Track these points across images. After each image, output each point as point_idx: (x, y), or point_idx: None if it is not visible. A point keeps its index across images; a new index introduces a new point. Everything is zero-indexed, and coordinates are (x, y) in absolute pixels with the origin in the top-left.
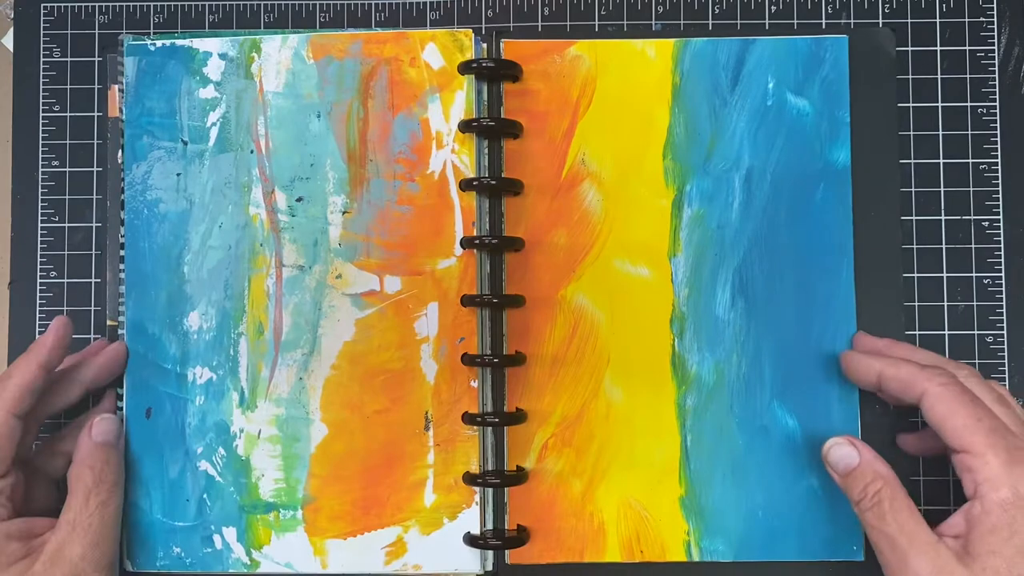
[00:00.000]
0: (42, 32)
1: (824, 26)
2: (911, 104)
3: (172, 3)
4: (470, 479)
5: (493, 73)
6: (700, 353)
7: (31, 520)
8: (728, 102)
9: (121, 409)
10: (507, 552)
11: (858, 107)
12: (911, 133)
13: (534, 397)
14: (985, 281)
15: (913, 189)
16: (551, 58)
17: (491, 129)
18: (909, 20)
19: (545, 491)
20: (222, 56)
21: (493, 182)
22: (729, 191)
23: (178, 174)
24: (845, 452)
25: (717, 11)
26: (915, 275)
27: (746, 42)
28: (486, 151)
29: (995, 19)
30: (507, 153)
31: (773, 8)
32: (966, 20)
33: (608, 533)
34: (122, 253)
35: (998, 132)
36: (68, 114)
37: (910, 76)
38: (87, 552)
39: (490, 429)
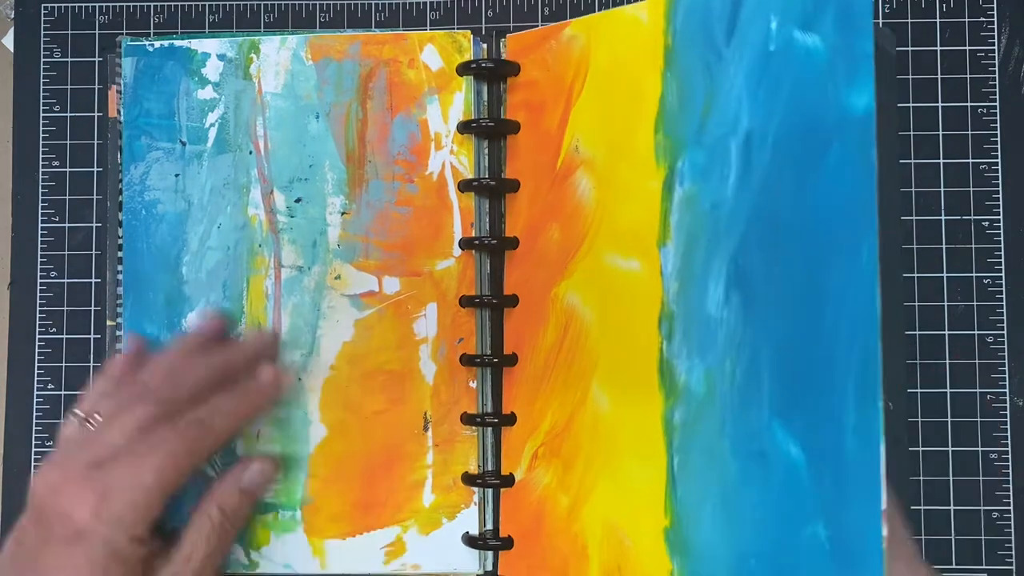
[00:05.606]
0: (42, 32)
1: None
2: (911, 104)
3: (172, 3)
4: (469, 479)
5: (492, 74)
6: (690, 359)
7: None
8: (723, 56)
9: None
10: (498, 564)
11: None
12: (911, 133)
13: (527, 402)
14: (985, 281)
15: (913, 189)
16: (548, 44)
17: (490, 130)
18: (909, 20)
19: (535, 503)
20: (221, 57)
21: (492, 183)
22: (724, 163)
23: (176, 175)
24: None
25: None
26: (915, 275)
27: None
28: (485, 152)
29: (995, 19)
30: (508, 150)
31: None
32: (966, 20)
33: (591, 558)
34: (120, 254)
35: (998, 132)
36: (68, 114)
37: (910, 76)
38: None
39: (489, 429)
